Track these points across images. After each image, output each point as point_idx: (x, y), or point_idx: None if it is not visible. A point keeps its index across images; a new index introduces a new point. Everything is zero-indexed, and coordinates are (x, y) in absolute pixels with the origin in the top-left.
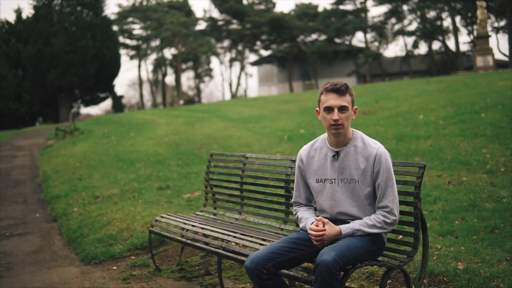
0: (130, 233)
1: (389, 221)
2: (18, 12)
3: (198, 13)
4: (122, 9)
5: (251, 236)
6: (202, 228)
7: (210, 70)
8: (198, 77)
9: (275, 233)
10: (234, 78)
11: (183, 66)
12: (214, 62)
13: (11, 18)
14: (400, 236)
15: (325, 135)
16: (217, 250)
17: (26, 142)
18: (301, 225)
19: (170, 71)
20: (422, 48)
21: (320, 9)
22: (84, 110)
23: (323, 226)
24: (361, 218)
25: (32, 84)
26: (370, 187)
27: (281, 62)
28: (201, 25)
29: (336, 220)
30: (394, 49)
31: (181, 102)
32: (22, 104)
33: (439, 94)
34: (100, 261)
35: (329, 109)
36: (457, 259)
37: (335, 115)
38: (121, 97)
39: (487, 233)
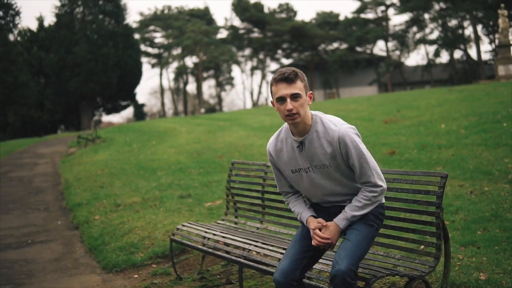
0: (152, 241)
1: (377, 194)
2: (40, 20)
3: (220, 22)
4: (143, 18)
5: (273, 245)
6: (223, 236)
7: (231, 78)
8: (220, 85)
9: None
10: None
11: (205, 75)
12: (235, 70)
13: (33, 26)
14: (422, 246)
15: (286, 124)
16: (238, 259)
17: (48, 150)
18: (298, 218)
19: (191, 79)
20: (444, 57)
21: (341, 18)
22: (105, 118)
23: (323, 228)
24: (349, 194)
25: (54, 92)
26: (344, 166)
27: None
28: (223, 34)
29: (328, 204)
30: (415, 58)
31: (202, 110)
32: (44, 112)
33: (460, 103)
34: (122, 269)
35: (281, 100)
36: (479, 269)
37: (288, 104)
38: (143, 105)
39: (509, 244)
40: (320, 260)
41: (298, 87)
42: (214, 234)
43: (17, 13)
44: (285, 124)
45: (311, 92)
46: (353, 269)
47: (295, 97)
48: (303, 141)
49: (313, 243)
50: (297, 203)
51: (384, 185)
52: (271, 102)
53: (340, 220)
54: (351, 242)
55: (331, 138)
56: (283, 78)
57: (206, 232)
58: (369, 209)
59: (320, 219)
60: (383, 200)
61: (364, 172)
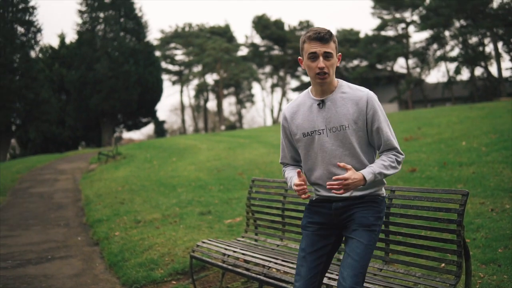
0: (171, 257)
1: (400, 159)
2: (62, 37)
3: (240, 39)
4: (164, 35)
5: (293, 263)
6: (243, 254)
7: (252, 95)
8: (240, 102)
9: None
10: (276, 104)
11: (225, 92)
12: (256, 87)
13: (55, 43)
14: (443, 264)
15: (307, 89)
16: (258, 276)
17: (68, 166)
18: (288, 186)
19: (212, 96)
20: (464, 74)
21: (361, 35)
22: (126, 135)
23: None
24: (356, 168)
25: (75, 109)
26: (362, 132)
27: None
28: (243, 51)
29: (330, 177)
30: (436, 75)
31: (223, 127)
32: (65, 128)
33: (481, 121)
34: (141, 285)
35: (313, 57)
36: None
37: (321, 62)
38: (163, 122)
39: None
40: (327, 274)
41: (331, 47)
42: (234, 251)
43: (39, 30)
44: (305, 90)
45: (340, 54)
46: (359, 287)
47: (327, 56)
48: (324, 100)
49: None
50: (292, 169)
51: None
52: (299, 60)
53: (366, 172)
54: (352, 258)
55: (359, 98)
56: (318, 37)
57: (226, 249)
58: (392, 173)
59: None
60: (385, 193)
61: (388, 137)
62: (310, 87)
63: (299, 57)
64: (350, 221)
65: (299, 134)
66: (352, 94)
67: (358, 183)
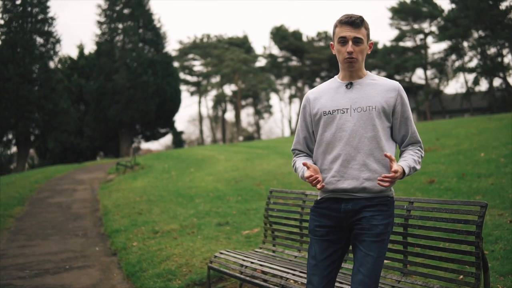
0: (189, 268)
1: (423, 155)
2: (81, 48)
3: (258, 50)
4: (183, 46)
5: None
6: (261, 265)
7: (270, 106)
8: (258, 113)
9: None
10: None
11: (243, 103)
12: (274, 98)
13: (74, 53)
14: (461, 276)
15: (333, 77)
16: (276, 287)
17: (87, 176)
18: (299, 176)
19: (230, 107)
20: (483, 85)
21: (379, 46)
22: (144, 145)
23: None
24: (374, 155)
25: (94, 119)
26: (387, 120)
27: None
28: (261, 62)
29: (345, 163)
30: (454, 86)
31: (241, 138)
32: (84, 139)
33: (500, 132)
34: None
35: (343, 41)
36: None
37: (349, 47)
38: (181, 132)
39: None
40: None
41: (362, 33)
42: (252, 262)
43: (58, 41)
44: (332, 78)
45: (371, 41)
46: None
47: (357, 41)
48: (353, 83)
49: (381, 183)
50: (304, 159)
51: None
52: (331, 45)
53: (405, 166)
54: (363, 274)
55: (389, 87)
56: (350, 21)
57: (243, 260)
58: (419, 168)
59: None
60: (394, 193)
61: (414, 130)
62: (337, 75)
63: (331, 43)
64: (358, 226)
65: (320, 113)
66: (383, 82)
67: (400, 176)
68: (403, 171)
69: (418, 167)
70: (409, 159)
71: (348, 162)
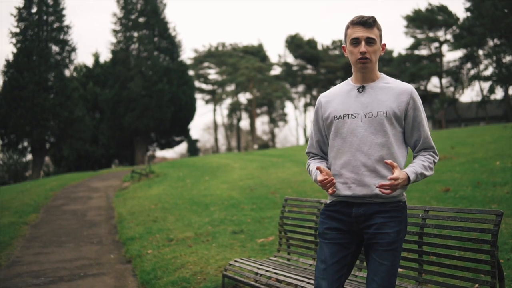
0: (204, 276)
1: (436, 160)
2: (96, 56)
3: (273, 59)
4: (198, 54)
5: None
6: (275, 273)
7: (285, 114)
8: (273, 121)
9: (349, 280)
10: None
11: (258, 111)
12: (289, 107)
13: (89, 62)
14: (476, 285)
15: (347, 80)
16: None
17: (102, 184)
18: (312, 178)
19: (244, 115)
20: (498, 93)
21: (395, 54)
22: (159, 153)
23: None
24: (379, 172)
25: (109, 127)
26: (399, 125)
27: None
28: (276, 70)
29: (355, 169)
30: (470, 94)
31: (256, 146)
32: (99, 146)
33: None
34: None
35: (355, 42)
36: None
37: (362, 47)
38: (196, 140)
39: None
40: None
41: (375, 33)
42: (267, 271)
43: (73, 49)
44: (346, 80)
45: (384, 43)
46: None
47: (370, 42)
48: (365, 86)
49: (382, 191)
50: (318, 162)
51: None
52: (343, 48)
53: (410, 172)
54: (377, 284)
55: (403, 90)
56: (362, 21)
57: (258, 268)
58: (430, 175)
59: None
60: (405, 197)
61: (428, 135)
62: (350, 77)
63: (343, 45)
64: (370, 233)
65: (331, 117)
66: (396, 86)
67: (404, 183)
68: (408, 177)
69: (428, 173)
70: (417, 165)
71: (358, 168)
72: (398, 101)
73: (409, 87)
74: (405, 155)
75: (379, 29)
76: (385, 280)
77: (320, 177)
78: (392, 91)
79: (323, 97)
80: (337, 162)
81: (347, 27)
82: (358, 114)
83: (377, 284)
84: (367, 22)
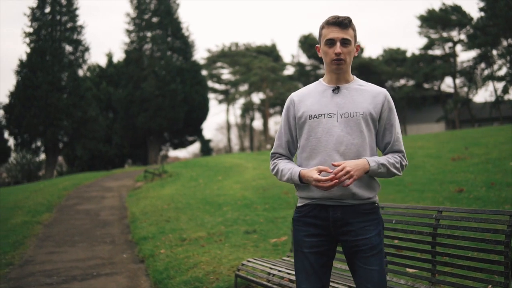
0: (216, 276)
1: (404, 163)
2: (110, 56)
3: (286, 58)
4: (211, 54)
5: (338, 283)
6: (288, 273)
7: None
8: None
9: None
10: None
11: (271, 111)
12: None
13: (103, 61)
14: (490, 286)
15: (318, 80)
16: None
17: (115, 184)
18: (284, 178)
19: (258, 115)
20: None
21: (408, 54)
22: (172, 153)
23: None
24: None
25: (122, 127)
26: (373, 127)
27: None
28: (289, 70)
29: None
30: (483, 95)
31: (268, 146)
32: (112, 146)
33: None
34: None
35: (331, 43)
36: None
37: (337, 48)
38: (209, 140)
39: None
40: None
41: (350, 34)
42: (279, 271)
43: (87, 49)
44: (315, 82)
45: (358, 44)
46: None
47: (345, 43)
48: (340, 87)
49: (325, 184)
50: (288, 162)
51: None
52: (316, 47)
53: (370, 159)
54: (376, 272)
55: (377, 93)
56: (337, 22)
57: (271, 268)
58: (394, 172)
59: (319, 166)
60: (378, 200)
61: (399, 138)
62: (321, 78)
63: (317, 45)
64: (350, 240)
65: (305, 116)
66: (370, 88)
67: (362, 167)
68: (367, 162)
69: (391, 169)
70: (381, 158)
71: (334, 169)
72: (374, 102)
73: (384, 90)
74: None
75: (354, 30)
76: (379, 284)
77: (316, 174)
78: (368, 93)
79: (296, 95)
80: (311, 162)
81: (322, 27)
82: (334, 114)
83: None
84: (343, 23)
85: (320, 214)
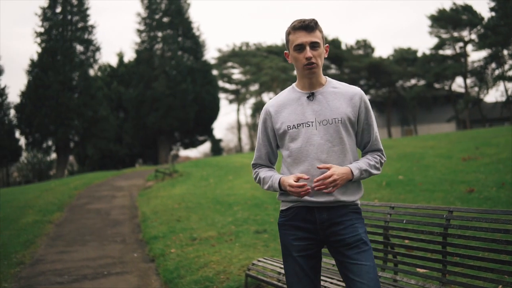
0: (227, 275)
1: (383, 161)
2: (120, 56)
3: None
4: (222, 54)
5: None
6: None
7: None
8: None
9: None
10: None
11: None
12: None
13: (113, 61)
14: (500, 286)
15: (290, 86)
16: None
17: (125, 183)
18: (265, 186)
19: None
20: None
21: (419, 54)
22: (183, 153)
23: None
24: (343, 165)
25: (133, 126)
26: (353, 129)
27: (379, 107)
28: None
29: (314, 174)
30: (494, 95)
31: None
32: (123, 146)
33: None
34: None
35: (300, 48)
36: None
37: (308, 52)
38: (220, 140)
39: None
40: None
41: (318, 36)
42: None
43: (98, 49)
44: (287, 88)
45: (327, 45)
46: None
47: (314, 46)
48: (315, 93)
49: (314, 186)
50: (268, 170)
51: None
52: (285, 54)
53: (353, 167)
54: (367, 285)
55: (352, 94)
56: (303, 26)
57: (281, 268)
58: (375, 173)
59: (298, 173)
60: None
61: (377, 137)
62: (294, 83)
63: (285, 51)
64: (339, 239)
65: (284, 127)
66: (345, 90)
67: (346, 177)
68: (351, 171)
69: (374, 171)
70: (362, 162)
71: (315, 178)
72: (351, 105)
73: (359, 90)
74: (357, 158)
75: (321, 31)
76: (373, 280)
77: (292, 180)
78: (343, 96)
79: (271, 106)
80: (293, 171)
81: (288, 33)
82: (312, 122)
83: (367, 286)
84: (309, 26)
85: (307, 217)
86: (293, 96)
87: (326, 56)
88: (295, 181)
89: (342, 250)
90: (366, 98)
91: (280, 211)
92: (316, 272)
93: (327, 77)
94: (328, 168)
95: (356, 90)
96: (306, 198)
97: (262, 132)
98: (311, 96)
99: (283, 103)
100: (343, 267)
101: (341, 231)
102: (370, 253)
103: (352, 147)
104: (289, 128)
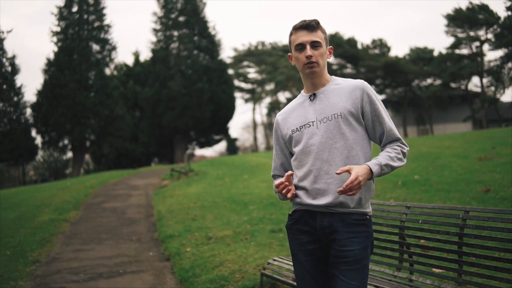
0: (242, 275)
1: (405, 151)
2: (136, 55)
3: None
4: (237, 53)
5: None
6: None
7: None
8: None
9: (388, 280)
10: None
11: None
12: None
13: (130, 60)
14: None
15: (301, 91)
16: None
17: (141, 182)
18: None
19: None
20: None
21: (435, 53)
22: (198, 152)
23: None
24: (348, 163)
25: (149, 125)
26: (357, 122)
27: (395, 106)
28: None
29: (317, 179)
30: (511, 94)
31: None
32: (139, 145)
33: None
34: None
35: (300, 47)
36: None
37: (308, 51)
38: (235, 139)
39: None
40: None
41: (319, 36)
42: None
43: (114, 48)
44: (299, 93)
45: (331, 47)
46: None
47: (315, 45)
48: (316, 93)
49: (340, 189)
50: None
51: None
52: (289, 56)
53: (372, 164)
54: (359, 274)
55: (353, 87)
56: (304, 25)
57: None
58: (398, 165)
59: (288, 172)
60: (371, 211)
61: (390, 127)
62: (303, 89)
63: (289, 54)
64: (334, 250)
65: (289, 132)
66: (347, 84)
67: (366, 176)
68: (370, 170)
69: (396, 164)
70: (382, 157)
71: (321, 178)
72: (351, 99)
73: (360, 82)
74: (369, 154)
75: (324, 32)
76: (359, 260)
77: (277, 181)
78: (343, 90)
79: (280, 115)
80: (298, 174)
81: (290, 34)
82: (313, 121)
83: None
84: (310, 25)
85: (309, 221)
86: (299, 101)
87: (329, 58)
88: (282, 182)
89: (333, 262)
90: (370, 88)
91: (288, 214)
92: (325, 277)
93: (333, 76)
94: (349, 171)
95: (357, 82)
96: (307, 201)
97: (275, 142)
98: (312, 96)
99: (290, 110)
100: (332, 279)
101: (337, 241)
102: (361, 271)
103: (359, 141)
104: (293, 132)
